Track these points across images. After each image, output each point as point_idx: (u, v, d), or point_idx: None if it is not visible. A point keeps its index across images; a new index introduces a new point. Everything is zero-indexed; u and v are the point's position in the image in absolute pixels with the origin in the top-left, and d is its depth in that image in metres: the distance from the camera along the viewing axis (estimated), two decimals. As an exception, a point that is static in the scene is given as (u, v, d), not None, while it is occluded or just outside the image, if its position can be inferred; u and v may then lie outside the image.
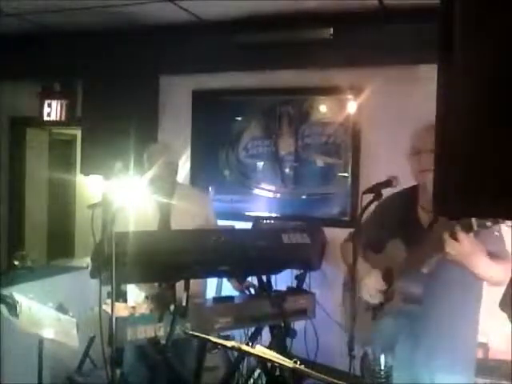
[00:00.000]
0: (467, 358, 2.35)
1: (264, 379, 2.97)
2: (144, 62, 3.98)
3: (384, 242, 2.39)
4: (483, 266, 2.09)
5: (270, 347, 2.07)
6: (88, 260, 3.34)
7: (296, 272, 2.98)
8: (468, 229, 1.96)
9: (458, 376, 2.27)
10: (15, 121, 4.97)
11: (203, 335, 2.28)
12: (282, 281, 3.00)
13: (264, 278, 2.83)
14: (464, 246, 2.00)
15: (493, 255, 2.14)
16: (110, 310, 2.16)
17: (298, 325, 2.89)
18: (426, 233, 2.26)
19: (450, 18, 0.98)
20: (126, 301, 2.49)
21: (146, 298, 2.51)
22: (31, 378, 2.76)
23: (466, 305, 2.30)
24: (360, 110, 3.76)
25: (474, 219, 1.92)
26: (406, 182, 2.39)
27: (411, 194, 2.39)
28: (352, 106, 3.79)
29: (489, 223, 1.90)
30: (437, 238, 2.08)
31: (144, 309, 2.44)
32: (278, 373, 2.52)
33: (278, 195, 4.10)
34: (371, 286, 2.32)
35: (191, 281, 2.49)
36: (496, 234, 2.15)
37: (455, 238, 1.99)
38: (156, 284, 2.53)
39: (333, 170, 3.94)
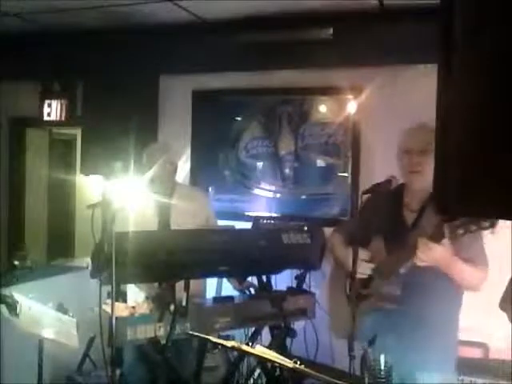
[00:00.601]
0: (449, 356, 2.35)
1: (264, 379, 2.96)
2: (144, 62, 3.97)
3: (370, 238, 2.41)
4: (457, 270, 2.14)
5: (269, 347, 2.08)
6: (88, 260, 3.34)
7: (296, 272, 2.98)
8: (438, 239, 2.04)
9: (440, 374, 2.28)
10: (15, 121, 4.97)
11: (203, 335, 2.28)
12: (282, 281, 3.00)
13: (264, 277, 2.83)
14: (435, 253, 2.05)
15: (468, 260, 2.16)
16: (110, 310, 2.16)
17: (298, 325, 2.89)
18: (409, 232, 2.27)
19: (450, 17, 0.98)
20: (125, 301, 2.49)
21: (146, 298, 2.51)
22: (31, 378, 2.76)
23: (444, 303, 2.30)
24: (360, 110, 3.76)
25: (446, 229, 1.99)
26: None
27: (398, 192, 2.40)
28: (352, 106, 3.79)
29: (460, 231, 1.97)
30: (416, 241, 2.10)
31: (144, 309, 2.44)
32: (278, 373, 2.52)
33: (278, 195, 4.10)
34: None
35: (191, 281, 2.49)
36: (477, 239, 2.17)
37: (426, 245, 2.05)
38: (156, 284, 2.53)
39: (333, 169, 3.94)
